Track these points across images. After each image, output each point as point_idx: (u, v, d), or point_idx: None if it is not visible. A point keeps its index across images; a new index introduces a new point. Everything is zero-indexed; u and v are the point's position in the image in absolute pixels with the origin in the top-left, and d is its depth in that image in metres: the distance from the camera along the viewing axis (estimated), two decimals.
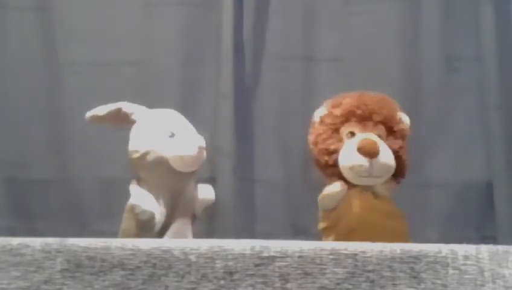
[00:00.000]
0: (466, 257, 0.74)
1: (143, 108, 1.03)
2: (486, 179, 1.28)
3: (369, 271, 0.73)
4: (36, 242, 0.77)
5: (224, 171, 1.29)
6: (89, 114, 1.01)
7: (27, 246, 0.76)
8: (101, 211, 1.29)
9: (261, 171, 1.34)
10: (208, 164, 1.28)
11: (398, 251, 0.74)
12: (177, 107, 1.29)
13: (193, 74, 1.35)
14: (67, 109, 1.33)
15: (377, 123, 0.95)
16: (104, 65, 1.35)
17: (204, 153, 0.98)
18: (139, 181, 0.98)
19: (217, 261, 0.74)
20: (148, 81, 1.35)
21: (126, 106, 1.01)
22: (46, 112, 1.36)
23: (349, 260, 0.74)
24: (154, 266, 0.75)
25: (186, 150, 0.96)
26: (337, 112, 0.97)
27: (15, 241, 0.77)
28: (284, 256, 0.74)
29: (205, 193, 1.04)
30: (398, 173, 0.95)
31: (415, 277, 0.73)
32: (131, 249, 0.75)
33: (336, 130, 0.96)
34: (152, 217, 0.94)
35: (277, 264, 0.74)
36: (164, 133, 0.98)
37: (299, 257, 0.74)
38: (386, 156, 0.92)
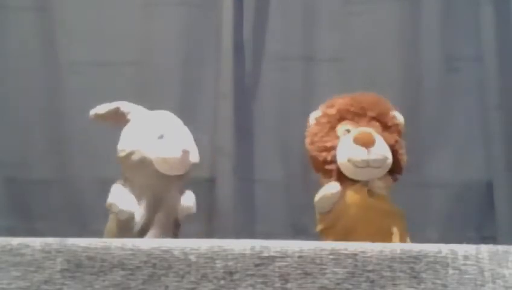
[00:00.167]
0: (466, 257, 0.74)
1: (140, 108, 1.02)
2: (486, 179, 1.28)
3: (369, 271, 0.73)
4: (36, 242, 0.77)
5: (224, 171, 1.29)
6: (92, 112, 1.01)
7: (27, 246, 0.76)
8: (101, 211, 1.28)
9: (261, 171, 1.34)
10: (208, 164, 1.29)
11: (398, 251, 0.74)
12: (177, 107, 1.29)
13: (193, 74, 1.35)
14: (67, 109, 1.33)
15: (371, 119, 0.95)
16: (104, 65, 1.35)
17: (190, 157, 0.97)
18: (125, 181, 0.98)
19: (217, 261, 0.74)
20: (148, 81, 1.35)
21: (124, 106, 1.01)
22: (46, 112, 1.36)
23: (349, 260, 0.74)
24: (154, 266, 0.75)
25: (170, 152, 0.95)
26: (332, 111, 0.98)
27: (15, 241, 0.77)
28: (284, 256, 0.74)
29: (186, 200, 1.02)
30: (395, 169, 0.94)
31: (415, 277, 0.73)
32: (131, 249, 0.75)
33: (332, 128, 0.97)
34: (131, 217, 0.94)
35: (277, 264, 0.74)
36: (153, 135, 0.97)
37: (299, 257, 0.74)
38: (382, 146, 0.92)
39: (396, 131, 0.96)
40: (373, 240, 0.77)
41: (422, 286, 0.73)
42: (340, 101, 0.98)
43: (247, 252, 0.75)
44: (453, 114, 1.32)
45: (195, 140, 1.02)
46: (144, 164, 0.95)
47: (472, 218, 1.28)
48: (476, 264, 0.73)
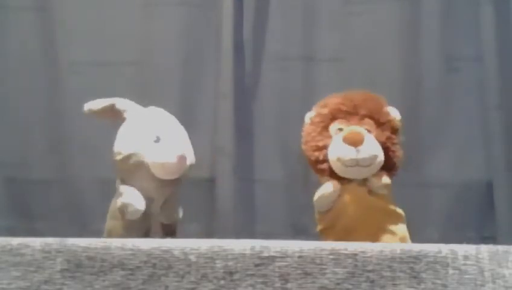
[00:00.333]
0: (466, 257, 0.74)
1: (136, 106, 1.01)
2: (486, 179, 1.28)
3: (369, 271, 0.73)
4: (36, 242, 0.77)
5: (224, 171, 1.29)
6: (86, 107, 1.00)
7: (27, 246, 0.76)
8: (101, 211, 1.28)
9: (261, 171, 1.34)
10: (208, 164, 1.29)
11: (398, 251, 0.74)
12: (177, 107, 1.30)
13: (193, 74, 1.35)
14: (67, 109, 1.33)
15: (363, 117, 0.95)
16: (104, 65, 1.35)
17: (185, 162, 0.97)
18: (122, 182, 0.97)
19: (217, 261, 0.74)
20: (148, 81, 1.35)
21: (119, 103, 1.00)
22: (46, 112, 1.36)
23: (349, 260, 0.74)
24: (154, 266, 0.75)
25: (166, 158, 0.95)
26: (324, 110, 0.98)
27: (15, 241, 0.77)
28: (284, 256, 0.74)
29: None
30: (388, 165, 0.94)
31: (415, 277, 0.73)
32: (131, 249, 0.75)
33: (325, 128, 0.97)
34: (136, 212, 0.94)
35: (277, 264, 0.74)
36: (149, 137, 0.96)
37: (299, 257, 0.74)
38: (371, 145, 0.92)
39: (389, 127, 0.96)
40: (373, 240, 0.77)
41: (422, 286, 0.73)
42: (332, 101, 0.99)
43: (247, 252, 0.74)
44: (453, 114, 1.32)
45: (190, 139, 1.02)
46: (141, 168, 0.95)
47: (472, 218, 1.28)
48: (476, 264, 0.73)
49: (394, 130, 0.96)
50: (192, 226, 1.22)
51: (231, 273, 0.74)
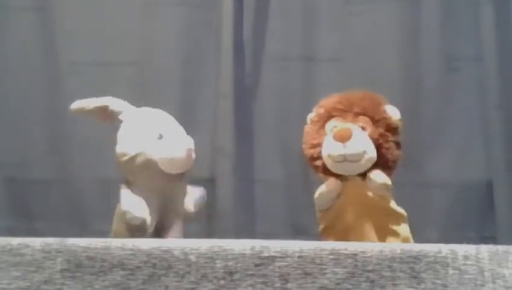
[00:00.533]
0: (466, 257, 0.74)
1: (130, 107, 1.01)
2: (486, 179, 1.28)
3: (369, 271, 0.73)
4: (36, 242, 0.77)
5: (224, 171, 1.29)
6: (74, 106, 0.99)
7: (27, 246, 0.76)
8: (101, 211, 1.29)
9: (261, 171, 1.34)
10: (208, 164, 1.29)
11: (398, 251, 0.74)
12: (177, 107, 1.30)
13: (193, 74, 1.36)
14: (67, 109, 1.33)
15: (357, 114, 0.96)
16: (104, 65, 1.35)
17: (193, 155, 0.97)
18: (128, 184, 0.97)
19: (217, 261, 0.74)
20: (148, 81, 1.35)
21: (113, 104, 0.99)
22: (46, 112, 1.36)
23: (349, 260, 0.74)
24: (154, 266, 0.75)
25: (175, 152, 0.95)
26: (321, 110, 0.99)
27: (15, 241, 0.77)
28: (284, 256, 0.74)
29: (197, 194, 1.04)
30: (381, 162, 0.94)
31: (415, 277, 0.73)
32: (131, 249, 0.75)
33: (322, 127, 0.97)
34: (143, 222, 0.93)
35: (277, 264, 0.74)
36: (152, 135, 0.96)
37: (299, 257, 0.74)
38: (360, 141, 0.92)
39: (383, 125, 0.95)
40: (375, 240, 0.76)
41: (422, 286, 0.73)
42: (330, 100, 0.99)
43: (247, 252, 0.74)
44: (453, 114, 1.32)
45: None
46: (149, 165, 0.95)
47: (472, 218, 1.28)
48: (476, 264, 0.73)
49: (390, 128, 0.96)
50: (192, 226, 1.22)
51: (231, 273, 0.74)
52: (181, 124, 1.03)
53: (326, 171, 0.95)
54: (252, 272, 0.74)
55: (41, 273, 0.75)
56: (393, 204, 0.95)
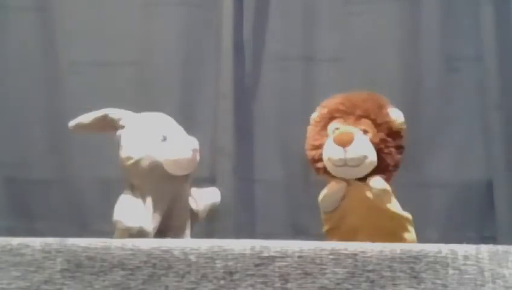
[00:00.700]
0: (466, 257, 0.74)
1: (130, 113, 1.00)
2: (486, 179, 1.28)
3: (369, 271, 0.73)
4: (36, 242, 0.77)
5: (224, 171, 1.29)
6: (72, 123, 0.99)
7: (27, 246, 0.76)
8: (101, 211, 1.29)
9: (261, 171, 1.34)
10: (208, 164, 1.29)
11: (398, 251, 0.74)
12: (177, 107, 1.30)
13: (193, 74, 1.36)
14: (67, 109, 1.33)
15: (359, 117, 0.95)
16: (104, 65, 1.35)
17: (198, 156, 0.97)
18: (132, 188, 0.96)
19: (217, 261, 0.74)
20: (148, 81, 1.35)
21: (112, 112, 0.99)
22: (46, 112, 1.36)
23: (349, 260, 0.74)
24: (154, 266, 0.75)
25: (180, 154, 0.95)
26: (324, 110, 0.98)
27: (15, 241, 0.77)
28: (284, 256, 0.74)
29: (211, 196, 1.05)
30: (381, 167, 0.94)
31: (415, 277, 0.73)
32: (131, 249, 0.75)
33: (324, 128, 0.97)
34: (139, 230, 0.92)
35: (277, 264, 0.74)
36: (156, 138, 0.96)
37: (299, 257, 0.74)
38: (361, 145, 0.92)
39: (385, 129, 0.95)
40: (378, 241, 0.76)
41: (422, 286, 0.73)
42: (333, 100, 0.99)
43: (247, 252, 0.75)
44: (453, 114, 1.32)
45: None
46: (154, 168, 0.95)
47: (472, 218, 1.28)
48: (476, 264, 0.73)
49: (392, 132, 0.95)
50: (192, 226, 1.22)
51: (231, 273, 0.74)
52: (181, 124, 1.03)
53: (328, 173, 0.95)
54: (252, 272, 0.74)
55: (41, 273, 0.75)
56: (397, 207, 0.94)
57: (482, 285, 0.73)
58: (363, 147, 0.92)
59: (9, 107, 1.36)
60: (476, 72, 1.31)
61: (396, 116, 0.96)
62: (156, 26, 1.37)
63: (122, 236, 0.91)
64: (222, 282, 0.74)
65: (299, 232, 1.29)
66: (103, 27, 1.37)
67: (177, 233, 0.98)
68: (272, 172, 1.34)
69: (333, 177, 0.94)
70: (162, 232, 0.96)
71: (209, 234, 1.24)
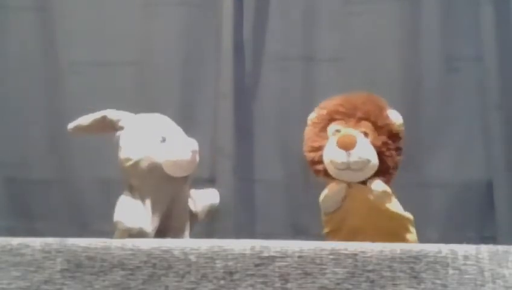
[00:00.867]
0: (466, 257, 0.74)
1: (129, 114, 1.00)
2: (486, 179, 1.28)
3: (369, 271, 0.73)
4: (36, 242, 0.77)
5: (224, 171, 1.29)
6: (71, 125, 0.99)
7: (27, 246, 0.76)
8: (101, 211, 1.29)
9: (261, 171, 1.34)
10: (208, 164, 1.29)
11: (398, 251, 0.74)
12: (177, 107, 1.30)
13: (193, 74, 1.36)
14: (67, 109, 1.33)
15: (360, 119, 0.95)
16: (104, 65, 1.36)
17: (197, 157, 0.97)
18: (131, 190, 0.96)
19: (217, 261, 0.74)
20: (148, 81, 1.35)
21: (111, 113, 0.98)
22: (46, 112, 1.36)
23: (349, 260, 0.74)
24: (154, 266, 0.75)
25: (179, 155, 0.94)
26: (323, 111, 0.98)
27: (15, 241, 0.77)
28: (284, 256, 0.74)
29: (210, 197, 1.05)
30: (382, 169, 0.94)
31: (415, 277, 0.73)
32: (131, 249, 0.75)
33: (323, 129, 0.96)
34: (139, 231, 0.92)
35: (277, 264, 0.74)
36: (155, 139, 0.96)
37: (299, 257, 0.74)
38: (364, 149, 0.91)
39: (386, 132, 0.94)
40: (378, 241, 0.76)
41: (422, 286, 0.73)
42: (332, 102, 0.98)
43: (247, 252, 0.75)
44: (453, 114, 1.32)
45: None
46: (153, 169, 0.94)
47: (472, 218, 1.28)
48: (476, 264, 0.73)
49: (392, 135, 0.95)
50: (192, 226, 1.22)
51: (231, 273, 0.74)
52: (181, 124, 1.03)
53: (328, 175, 0.95)
54: (252, 272, 0.74)
55: (41, 273, 0.75)
56: (398, 208, 0.94)
57: (482, 285, 0.73)
58: (366, 151, 0.92)
59: (9, 107, 1.36)
60: (476, 72, 1.31)
61: (395, 118, 0.96)
62: (156, 26, 1.37)
63: (122, 237, 0.91)
64: (222, 282, 0.74)
65: (299, 232, 1.29)
66: (103, 27, 1.37)
67: (177, 234, 0.98)
68: (272, 172, 1.34)
69: (333, 179, 0.94)
70: (161, 233, 0.96)
71: (209, 234, 1.24)
